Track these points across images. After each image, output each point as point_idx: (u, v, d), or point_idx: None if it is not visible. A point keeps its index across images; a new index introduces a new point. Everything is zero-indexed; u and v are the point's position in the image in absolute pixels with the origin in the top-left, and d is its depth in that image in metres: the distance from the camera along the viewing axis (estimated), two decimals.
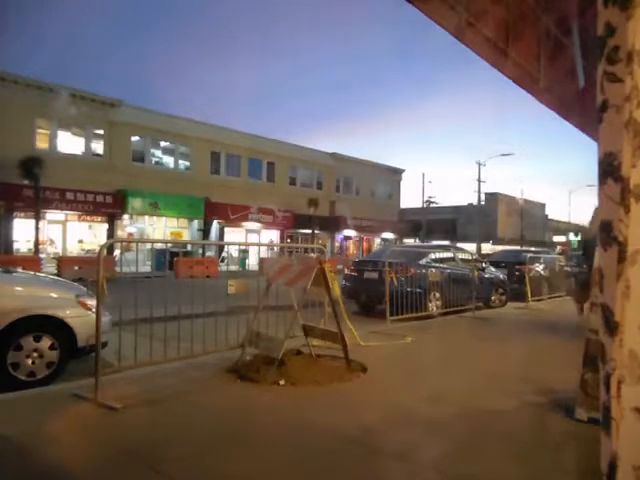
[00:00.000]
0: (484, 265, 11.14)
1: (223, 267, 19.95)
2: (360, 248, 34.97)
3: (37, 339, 4.37)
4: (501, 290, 11.36)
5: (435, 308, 9.06)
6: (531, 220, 48.83)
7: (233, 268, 21.36)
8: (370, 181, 35.19)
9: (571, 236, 57.11)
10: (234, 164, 27.35)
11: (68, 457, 2.86)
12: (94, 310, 4.25)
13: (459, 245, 18.28)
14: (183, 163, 25.80)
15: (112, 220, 22.07)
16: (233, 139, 26.84)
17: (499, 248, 29.89)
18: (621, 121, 1.40)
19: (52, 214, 20.46)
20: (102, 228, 22.21)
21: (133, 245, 19.55)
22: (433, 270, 9.14)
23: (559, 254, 19.07)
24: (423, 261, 9.66)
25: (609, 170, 1.47)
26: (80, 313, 4.64)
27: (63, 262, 17.54)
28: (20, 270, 6.27)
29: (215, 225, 25.75)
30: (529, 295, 10.96)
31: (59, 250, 20.92)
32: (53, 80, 21.68)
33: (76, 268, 16.45)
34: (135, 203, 22.32)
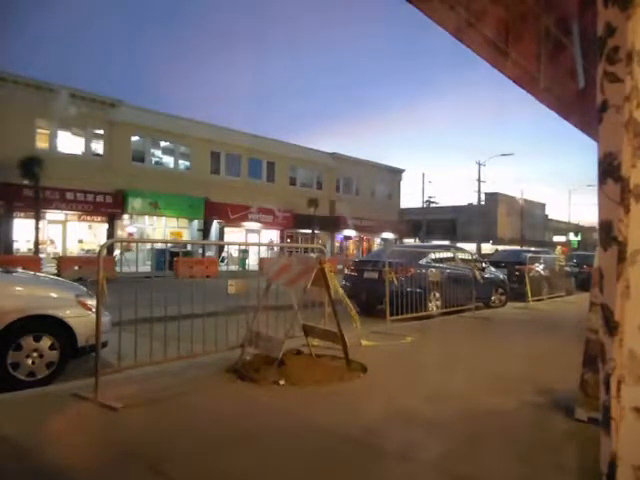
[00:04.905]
0: (484, 265, 11.14)
1: (223, 267, 19.94)
2: (360, 248, 34.96)
3: (37, 339, 4.37)
4: (501, 290, 11.35)
5: (435, 308, 9.05)
6: (531, 220, 48.82)
7: (233, 268, 21.34)
8: (370, 181, 35.19)
9: (571, 236, 57.17)
10: (234, 164, 27.34)
11: (68, 457, 2.86)
12: (94, 310, 4.25)
13: (459, 245, 18.26)
14: (183, 163, 25.79)
15: (112, 220, 22.06)
16: (233, 139, 26.83)
17: (500, 248, 29.90)
18: (621, 121, 1.40)
19: (52, 214, 20.46)
20: (102, 228, 22.21)
21: (133, 245, 19.65)
22: (433, 270, 9.13)
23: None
24: (423, 261, 9.65)
25: (609, 170, 1.47)
26: (80, 313, 4.63)
27: (63, 262, 17.53)
28: (20, 270, 6.26)
29: (215, 225, 25.74)
30: (529, 295, 10.96)
31: (59, 250, 20.92)
32: (53, 80, 21.66)
33: (76, 268, 16.43)
34: (135, 203, 22.32)
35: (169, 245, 20.95)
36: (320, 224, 29.33)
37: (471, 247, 31.13)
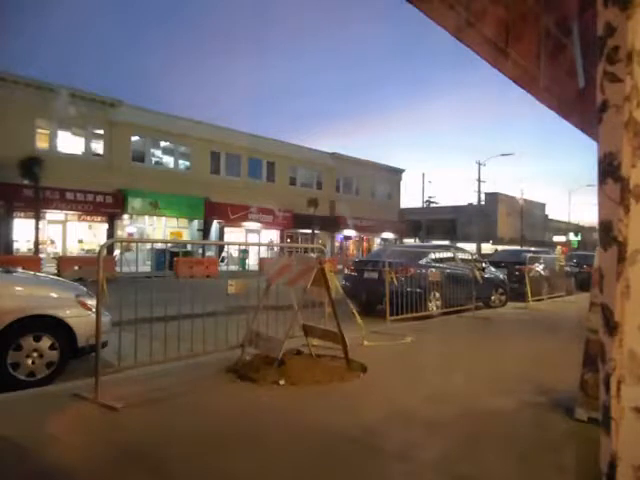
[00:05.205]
0: (484, 265, 11.14)
1: (223, 267, 19.94)
2: (360, 248, 34.95)
3: (37, 339, 4.37)
4: (501, 290, 11.35)
5: (435, 308, 9.05)
6: (531, 220, 48.81)
7: (233, 268, 21.32)
8: (370, 181, 35.19)
9: (571, 236, 57.17)
10: (234, 164, 27.33)
11: (68, 457, 2.86)
12: (94, 310, 4.25)
13: (459, 245, 18.26)
14: (183, 163, 25.78)
15: (112, 220, 22.05)
16: (233, 139, 26.81)
17: (500, 248, 29.92)
18: (621, 121, 1.40)
19: (52, 214, 20.45)
20: (102, 228, 22.19)
21: (133, 245, 19.70)
22: (433, 270, 9.13)
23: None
24: (423, 261, 9.66)
25: (609, 170, 1.47)
26: (80, 313, 4.63)
27: (63, 262, 17.53)
28: (20, 270, 6.26)
29: (215, 225, 25.73)
30: (529, 295, 10.96)
31: (59, 250, 20.92)
32: (53, 80, 21.69)
33: (76, 268, 16.44)
34: (135, 203, 22.31)
35: (169, 245, 20.95)
36: (320, 224, 29.31)
37: (471, 247, 31.14)
